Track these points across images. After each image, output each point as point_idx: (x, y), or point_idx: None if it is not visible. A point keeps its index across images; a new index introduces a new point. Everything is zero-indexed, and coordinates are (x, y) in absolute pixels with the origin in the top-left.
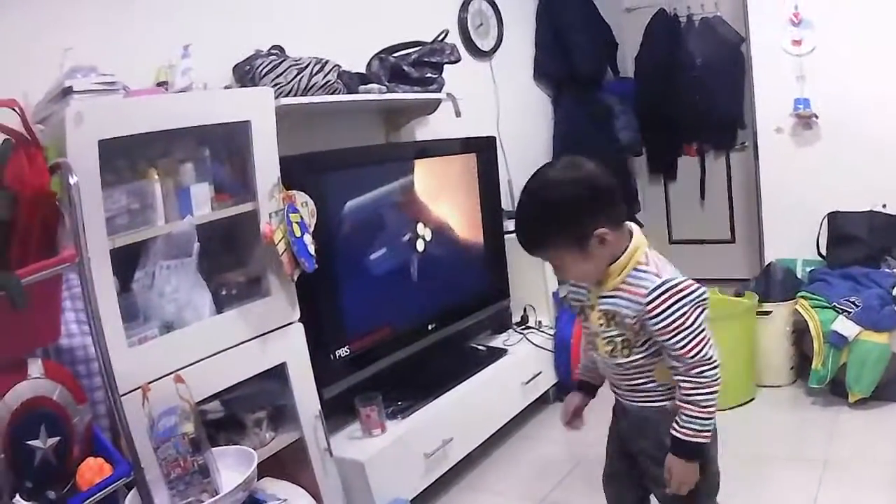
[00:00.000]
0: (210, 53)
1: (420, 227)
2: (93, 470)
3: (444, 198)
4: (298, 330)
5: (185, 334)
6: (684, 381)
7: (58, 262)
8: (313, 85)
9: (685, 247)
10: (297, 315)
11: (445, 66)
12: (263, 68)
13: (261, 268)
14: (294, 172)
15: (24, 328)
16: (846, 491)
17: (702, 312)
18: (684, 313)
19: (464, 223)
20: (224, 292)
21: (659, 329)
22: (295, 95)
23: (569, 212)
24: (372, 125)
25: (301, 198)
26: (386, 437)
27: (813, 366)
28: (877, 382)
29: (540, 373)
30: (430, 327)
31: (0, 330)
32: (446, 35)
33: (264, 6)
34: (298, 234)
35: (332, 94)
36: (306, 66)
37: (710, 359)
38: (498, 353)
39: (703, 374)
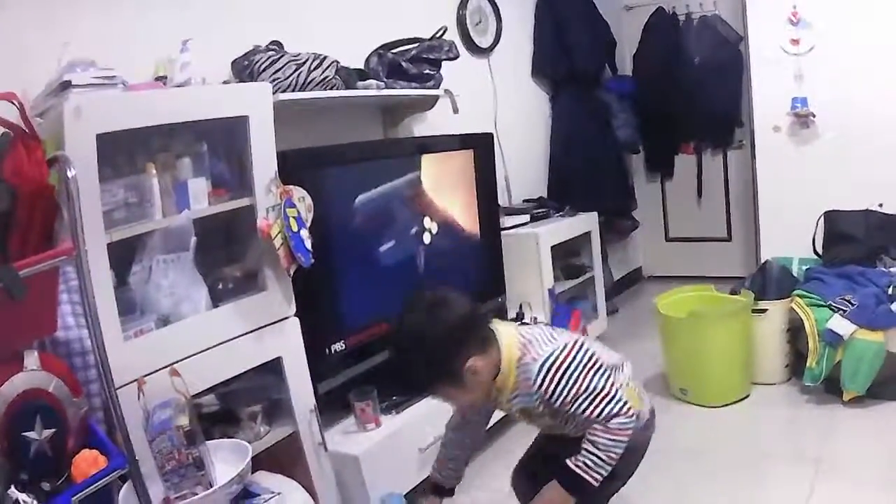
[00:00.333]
0: (209, 48)
1: (418, 224)
2: (87, 462)
3: (441, 194)
4: (294, 325)
5: (181, 328)
6: (597, 424)
7: (55, 254)
8: (311, 80)
9: (681, 244)
10: (293, 310)
11: (444, 63)
12: (262, 64)
13: (257, 262)
14: (291, 167)
15: (21, 320)
16: (840, 489)
17: (591, 369)
18: (574, 382)
19: (461, 219)
20: (220, 287)
21: (560, 404)
22: (293, 91)
23: (434, 360)
24: (370, 121)
25: (298, 193)
26: (380, 432)
27: (808, 364)
28: (871, 381)
29: None
30: None
31: None
32: (445, 32)
33: (263, 2)
34: (295, 228)
35: (329, 89)
36: (304, 62)
37: (617, 412)
38: None
39: (613, 422)
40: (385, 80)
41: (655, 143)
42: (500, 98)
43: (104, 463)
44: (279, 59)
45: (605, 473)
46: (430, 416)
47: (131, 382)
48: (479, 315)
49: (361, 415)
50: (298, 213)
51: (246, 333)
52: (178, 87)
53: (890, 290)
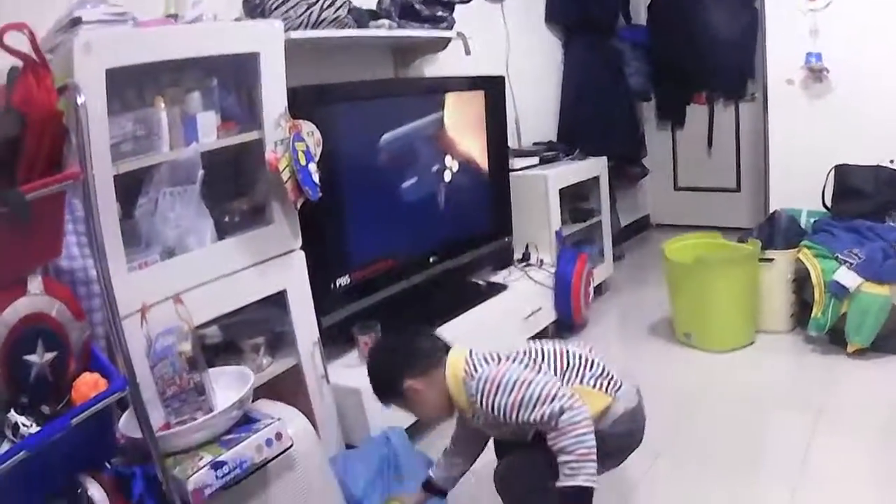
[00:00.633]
0: None
1: (426, 162)
2: (88, 384)
3: (450, 134)
4: (300, 258)
5: (185, 260)
6: (550, 431)
7: (62, 178)
8: (323, 19)
9: (690, 194)
10: (299, 243)
11: (457, 6)
12: (274, 2)
13: (264, 196)
14: (301, 103)
15: (27, 245)
16: (839, 438)
17: (525, 379)
18: (510, 397)
19: (470, 160)
20: (227, 220)
21: (505, 416)
22: (305, 29)
23: (381, 381)
24: (381, 61)
25: (307, 127)
26: None
27: (813, 314)
28: (876, 334)
29: (540, 309)
30: (431, 260)
31: (3, 246)
32: None
33: None
34: (303, 162)
35: (341, 28)
36: (317, 1)
37: (559, 411)
38: (498, 289)
39: (561, 422)
40: (397, 20)
41: (667, 92)
42: (512, 43)
43: (105, 386)
44: None
45: (592, 470)
46: None
47: (135, 313)
48: (422, 347)
49: (364, 348)
50: (307, 146)
51: (251, 266)
52: (190, 23)
53: None
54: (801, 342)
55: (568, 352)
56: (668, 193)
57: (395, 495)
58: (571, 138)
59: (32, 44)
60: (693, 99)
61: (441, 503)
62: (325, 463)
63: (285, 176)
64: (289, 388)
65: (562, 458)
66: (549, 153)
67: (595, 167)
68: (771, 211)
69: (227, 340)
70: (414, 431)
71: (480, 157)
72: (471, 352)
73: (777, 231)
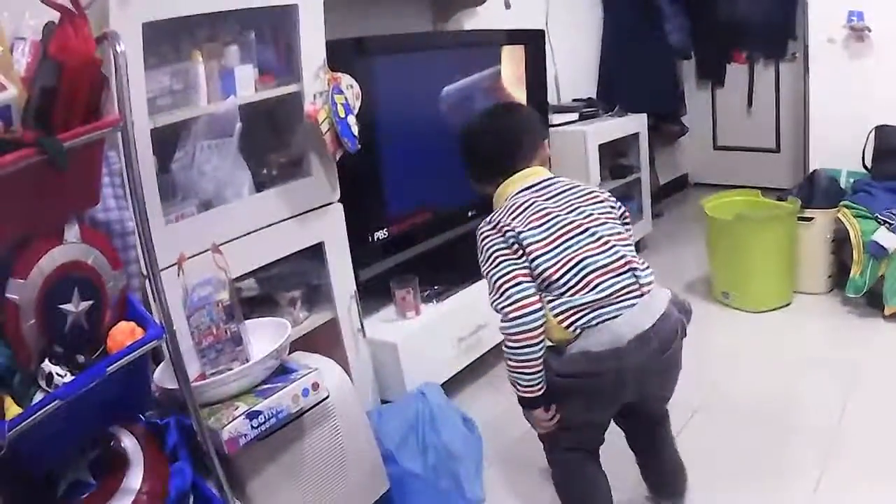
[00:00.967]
0: None
1: (459, 111)
2: (124, 333)
3: (491, 88)
4: (338, 210)
5: (222, 212)
6: None
7: (101, 125)
8: None
9: (729, 153)
10: (338, 196)
11: None
12: None
13: (302, 149)
14: (340, 56)
15: (64, 193)
16: (874, 399)
17: (491, 256)
18: (480, 257)
19: None
20: (265, 172)
21: None
22: None
23: (531, 124)
24: (420, 14)
25: (346, 80)
26: (420, 320)
27: (851, 274)
28: None
29: None
30: (469, 214)
31: (41, 193)
32: None
33: None
34: (343, 115)
35: None
36: None
37: (501, 308)
38: None
39: (501, 324)
40: None
41: (708, 50)
42: None
43: (141, 334)
44: None
45: (525, 381)
46: (469, 307)
47: (172, 265)
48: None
49: (402, 303)
50: (346, 99)
51: (289, 218)
52: None
53: None
54: (839, 304)
55: (588, 259)
56: (707, 152)
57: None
58: (611, 95)
59: None
60: (733, 58)
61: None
62: (362, 415)
63: (324, 128)
64: (325, 342)
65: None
66: (588, 109)
67: (634, 124)
68: (811, 171)
69: (263, 293)
70: (449, 387)
71: None
72: (520, 190)
73: (817, 190)
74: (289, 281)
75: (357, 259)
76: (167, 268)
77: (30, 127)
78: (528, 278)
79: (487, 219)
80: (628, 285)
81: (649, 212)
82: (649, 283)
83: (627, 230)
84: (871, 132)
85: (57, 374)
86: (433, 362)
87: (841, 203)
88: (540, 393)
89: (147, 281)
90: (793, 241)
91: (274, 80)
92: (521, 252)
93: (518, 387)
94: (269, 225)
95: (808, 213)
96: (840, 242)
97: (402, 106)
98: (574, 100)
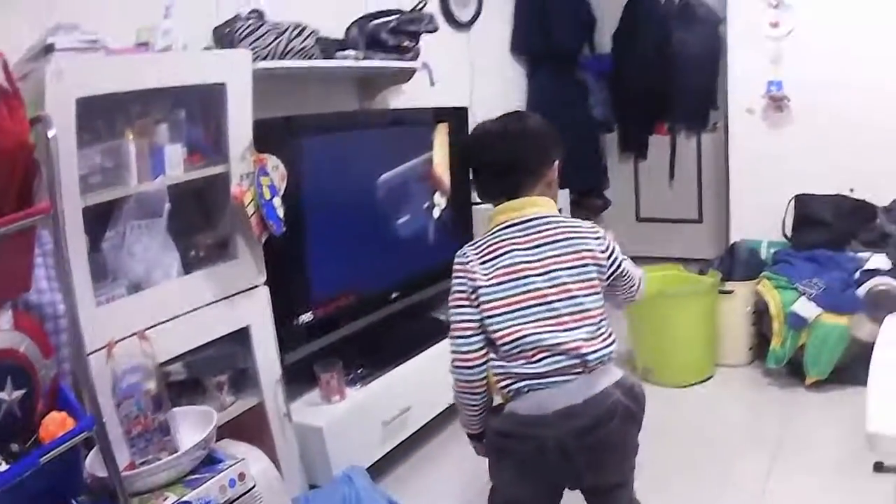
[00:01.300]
0: (192, 15)
1: (388, 195)
2: (56, 423)
3: (420, 167)
4: (264, 293)
5: (152, 295)
6: None
7: (33, 212)
8: (290, 49)
9: (652, 225)
10: (264, 278)
11: (422, 36)
12: (242, 31)
13: (229, 230)
14: (267, 136)
15: None
16: (797, 471)
17: (453, 293)
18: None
19: (432, 192)
20: (193, 254)
21: None
22: (272, 59)
23: (541, 145)
24: (346, 92)
25: (272, 161)
26: (345, 404)
27: (771, 346)
28: (834, 365)
29: None
30: (393, 296)
31: None
32: (425, 4)
33: None
34: (268, 196)
35: (308, 59)
36: (285, 31)
37: (451, 348)
38: None
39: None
40: (364, 50)
41: (630, 122)
42: (477, 72)
43: (73, 424)
44: (260, 27)
45: (465, 417)
46: (394, 390)
47: (102, 348)
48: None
49: (326, 387)
50: (272, 181)
51: (216, 301)
52: (160, 52)
53: (857, 275)
54: (760, 375)
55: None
56: (630, 224)
57: None
58: None
59: (6, 72)
60: (655, 129)
61: None
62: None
63: (250, 210)
64: (252, 427)
65: None
66: None
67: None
68: (731, 242)
69: (190, 378)
70: (375, 470)
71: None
72: (508, 224)
73: (737, 262)
74: (216, 365)
75: (282, 342)
76: (97, 350)
77: None
78: (479, 330)
79: (470, 243)
80: (572, 365)
81: None
82: (599, 362)
83: (613, 274)
84: (790, 201)
85: None
86: (359, 446)
87: (762, 274)
88: (476, 432)
89: (76, 371)
90: (714, 315)
91: (202, 159)
92: (477, 303)
93: (461, 420)
94: (197, 308)
95: (728, 285)
96: (760, 314)
97: (329, 185)
98: None
